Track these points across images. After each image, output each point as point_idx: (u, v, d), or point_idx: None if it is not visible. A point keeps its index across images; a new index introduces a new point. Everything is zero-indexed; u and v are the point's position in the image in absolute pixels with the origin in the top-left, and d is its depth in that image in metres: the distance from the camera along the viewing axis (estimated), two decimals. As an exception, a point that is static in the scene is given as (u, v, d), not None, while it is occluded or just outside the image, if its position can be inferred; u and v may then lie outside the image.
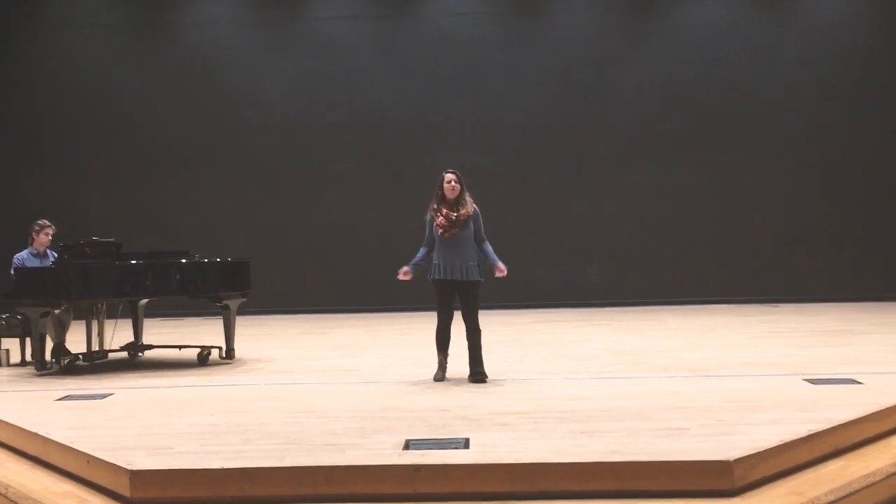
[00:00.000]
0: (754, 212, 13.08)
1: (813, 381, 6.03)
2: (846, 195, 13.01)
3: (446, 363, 6.59)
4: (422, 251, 6.63)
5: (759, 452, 4.09)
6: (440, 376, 6.53)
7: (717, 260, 13.01)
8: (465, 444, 4.46)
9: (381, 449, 4.41)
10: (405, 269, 6.61)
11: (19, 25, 13.66)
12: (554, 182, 13.24)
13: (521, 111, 13.30)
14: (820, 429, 4.50)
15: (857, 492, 4.07)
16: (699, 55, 13.23)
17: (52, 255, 8.20)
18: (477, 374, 6.41)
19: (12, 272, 7.94)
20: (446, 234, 6.39)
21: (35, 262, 8.13)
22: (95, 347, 8.10)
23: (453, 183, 6.46)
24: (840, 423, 4.64)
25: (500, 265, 6.53)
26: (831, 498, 3.94)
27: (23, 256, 8.19)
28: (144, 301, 8.36)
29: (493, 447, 4.39)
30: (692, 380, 6.35)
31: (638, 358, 7.59)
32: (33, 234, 8.27)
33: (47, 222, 8.32)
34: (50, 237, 8.29)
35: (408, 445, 4.45)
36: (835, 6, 13.26)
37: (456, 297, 6.48)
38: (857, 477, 4.19)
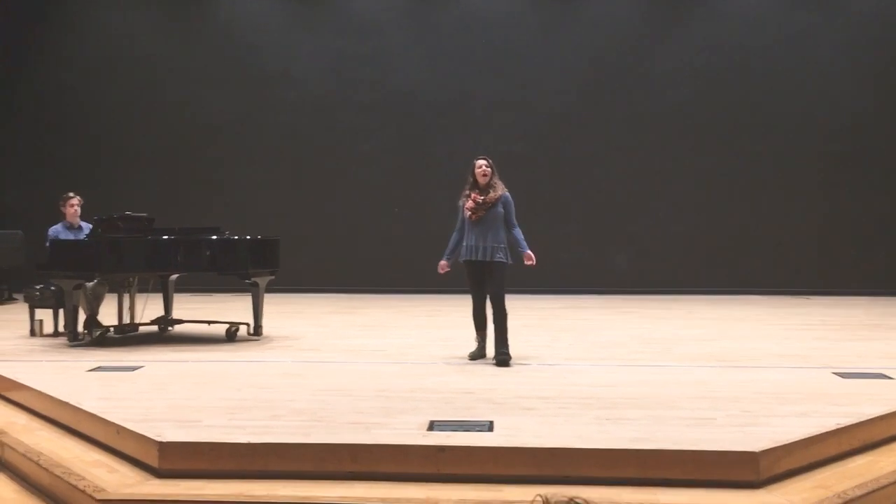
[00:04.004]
0: (788, 202, 12.90)
1: (843, 375, 5.97)
2: (883, 186, 12.78)
3: (484, 342, 6.67)
4: (453, 239, 6.69)
5: (786, 445, 4.06)
6: (475, 354, 6.66)
7: (750, 250, 12.87)
8: (490, 426, 4.47)
9: (406, 429, 4.44)
10: (442, 262, 6.69)
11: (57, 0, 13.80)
12: (584, 167, 13.15)
13: (553, 95, 13.21)
14: (848, 423, 4.46)
15: (884, 487, 4.02)
16: (735, 42, 13.03)
17: (87, 228, 8.29)
18: (501, 353, 6.43)
19: (47, 244, 8.05)
20: (474, 217, 6.47)
21: (69, 235, 8.23)
22: (126, 320, 8.23)
23: (484, 168, 6.54)
24: (869, 417, 4.60)
25: (529, 253, 6.59)
26: (858, 493, 3.90)
27: (57, 229, 8.30)
28: (175, 276, 8.46)
29: (517, 431, 4.39)
30: (720, 370, 6.30)
31: (666, 346, 7.54)
32: (61, 206, 8.38)
33: (72, 194, 8.40)
34: (76, 208, 8.36)
35: (432, 426, 4.47)
36: (875, -6, 12.99)
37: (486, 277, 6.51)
38: (886, 472, 4.14)
